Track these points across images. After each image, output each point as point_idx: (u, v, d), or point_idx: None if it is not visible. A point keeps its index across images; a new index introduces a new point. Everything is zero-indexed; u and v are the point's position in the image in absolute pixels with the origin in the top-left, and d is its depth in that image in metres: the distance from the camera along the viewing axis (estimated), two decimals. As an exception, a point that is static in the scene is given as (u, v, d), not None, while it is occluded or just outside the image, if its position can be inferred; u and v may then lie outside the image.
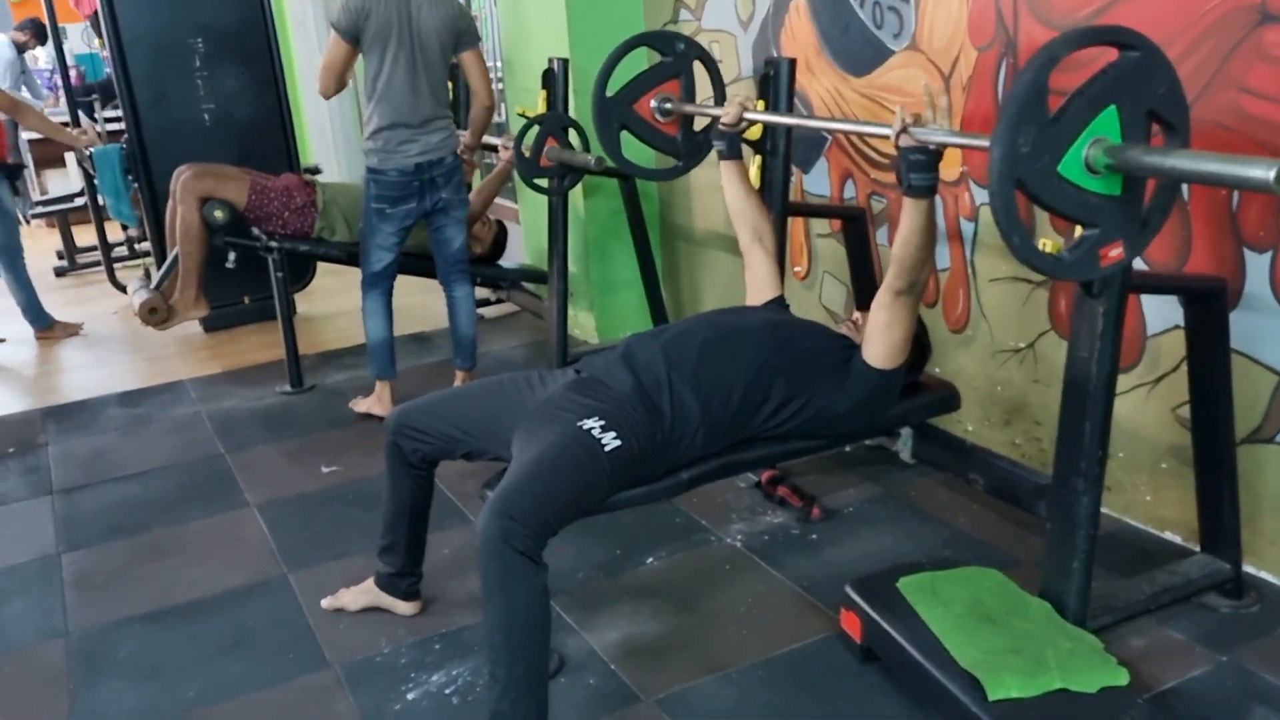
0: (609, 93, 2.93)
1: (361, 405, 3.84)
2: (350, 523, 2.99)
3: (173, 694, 2.28)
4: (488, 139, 4.48)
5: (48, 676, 2.37)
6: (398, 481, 2.31)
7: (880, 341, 2.16)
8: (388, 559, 2.43)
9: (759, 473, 2.97)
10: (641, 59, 3.32)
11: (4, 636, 2.55)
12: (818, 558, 2.65)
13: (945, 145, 1.95)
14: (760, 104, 2.92)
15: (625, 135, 2.99)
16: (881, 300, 2.14)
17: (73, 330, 5.19)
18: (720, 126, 2.58)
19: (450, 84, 3.86)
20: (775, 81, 2.90)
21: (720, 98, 3.03)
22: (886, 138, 2.01)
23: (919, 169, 1.97)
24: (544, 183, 3.86)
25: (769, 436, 2.21)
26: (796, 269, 3.72)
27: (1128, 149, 1.68)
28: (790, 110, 2.93)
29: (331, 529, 2.97)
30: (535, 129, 3.80)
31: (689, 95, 2.97)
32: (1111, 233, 1.75)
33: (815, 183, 3.53)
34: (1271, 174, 1.49)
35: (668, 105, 2.92)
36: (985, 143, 1.70)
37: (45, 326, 5.13)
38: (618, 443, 2.00)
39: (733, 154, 2.59)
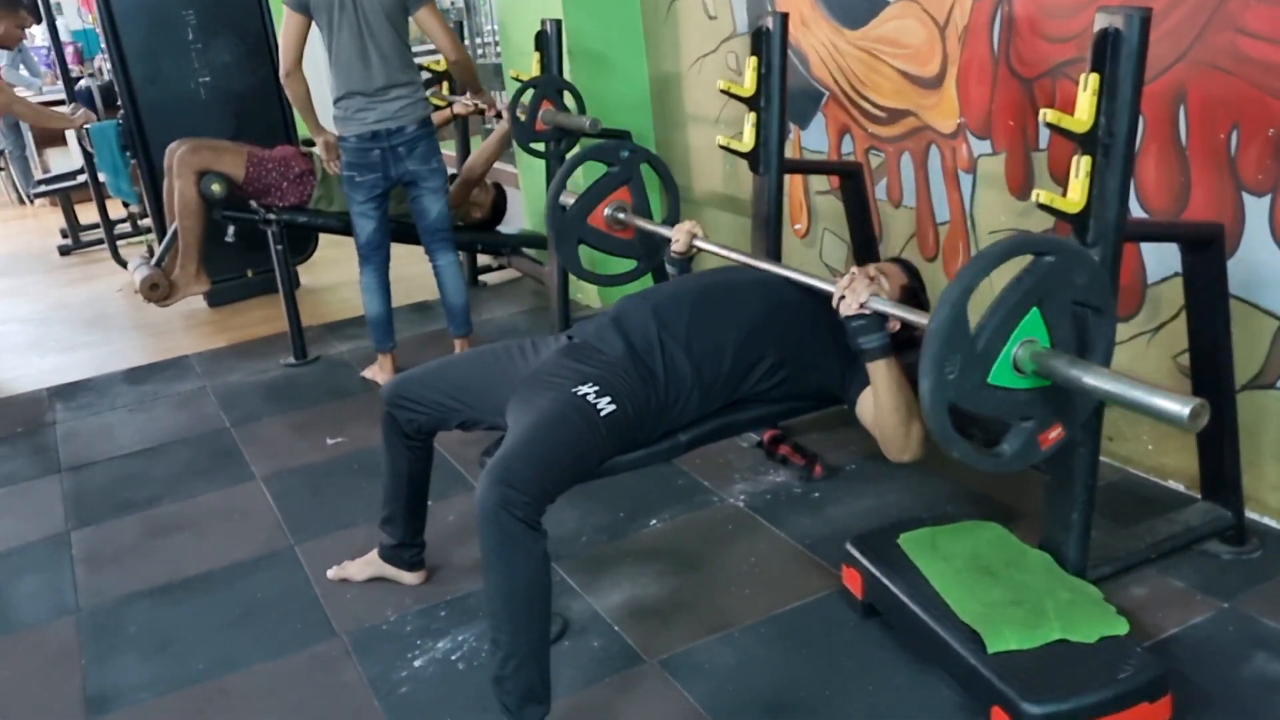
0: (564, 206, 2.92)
1: (368, 372, 3.90)
2: (356, 493, 3.00)
3: (183, 666, 2.30)
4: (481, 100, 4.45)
5: (60, 653, 2.40)
6: (395, 453, 2.31)
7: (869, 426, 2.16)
8: (389, 530, 2.45)
9: (761, 432, 2.97)
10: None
11: (16, 615, 2.59)
12: (820, 515, 2.66)
13: (885, 314, 1.97)
14: (752, 61, 2.88)
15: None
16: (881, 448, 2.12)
17: None
18: (672, 253, 2.58)
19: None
20: (769, 37, 2.87)
21: (674, 204, 3.00)
22: (830, 294, 2.03)
23: (864, 332, 1.98)
24: (540, 146, 3.84)
25: (766, 398, 2.21)
26: (796, 226, 3.69)
27: (1052, 358, 1.66)
28: (784, 61, 2.89)
29: (337, 500, 2.99)
30: (530, 92, 3.77)
31: (640, 198, 2.94)
32: (1047, 420, 1.74)
33: (813, 139, 3.50)
34: (1186, 411, 1.47)
35: (620, 216, 2.91)
36: (922, 319, 1.77)
37: None
38: (613, 407, 2.00)
39: (685, 274, 2.58)
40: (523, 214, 4.98)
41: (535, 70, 3.87)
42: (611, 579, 2.46)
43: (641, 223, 2.88)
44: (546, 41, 3.83)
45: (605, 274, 3.10)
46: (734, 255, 2.48)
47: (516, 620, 1.86)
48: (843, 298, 1.98)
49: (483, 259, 5.09)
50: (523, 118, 3.78)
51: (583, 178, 3.52)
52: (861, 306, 1.96)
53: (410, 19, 3.48)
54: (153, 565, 2.73)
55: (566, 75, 3.90)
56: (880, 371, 2.00)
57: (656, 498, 2.80)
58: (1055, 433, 1.76)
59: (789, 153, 3.16)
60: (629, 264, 3.04)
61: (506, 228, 4.76)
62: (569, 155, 2.90)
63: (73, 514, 3.07)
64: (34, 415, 3.89)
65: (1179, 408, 1.49)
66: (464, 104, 4.18)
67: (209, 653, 2.34)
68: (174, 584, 2.64)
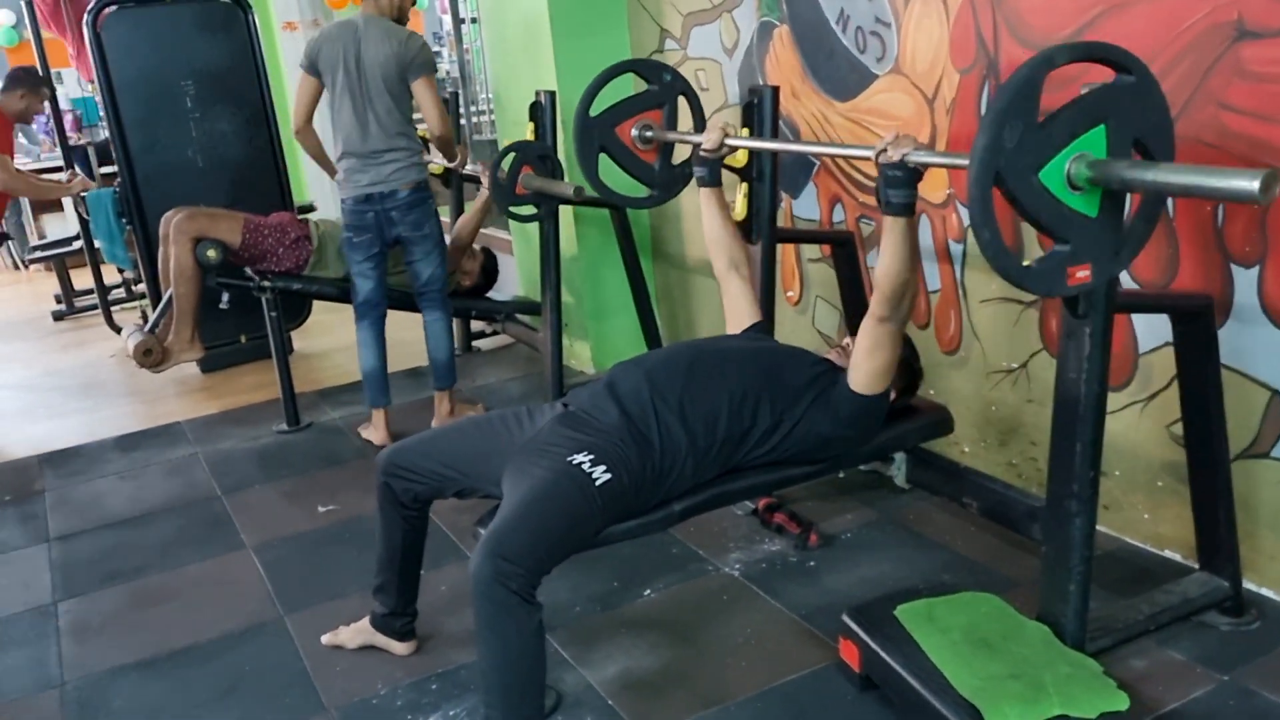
0: (593, 114, 2.94)
1: (364, 430, 3.93)
2: (347, 562, 2.97)
3: (169, 743, 2.26)
4: (470, 169, 4.50)
5: (43, 728, 2.36)
6: (390, 522, 2.30)
7: (863, 368, 2.15)
8: (381, 598, 2.42)
9: (756, 500, 2.96)
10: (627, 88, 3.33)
11: (-1, 688, 2.55)
12: (816, 585, 2.64)
13: (925, 164, 1.95)
14: (744, 131, 2.93)
15: (604, 161, 2.99)
16: (865, 326, 2.13)
17: None
18: (701, 153, 2.58)
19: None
20: (759, 109, 2.91)
21: (701, 130, 3.03)
22: (869, 159, 2.01)
23: (896, 185, 1.96)
24: (522, 210, 3.86)
25: (760, 464, 2.21)
26: (789, 294, 3.72)
27: (1111, 163, 1.67)
28: (775, 133, 2.93)
29: (328, 569, 2.96)
30: (511, 156, 3.79)
31: (671, 128, 2.98)
32: (1082, 252, 1.73)
33: (804, 207, 3.54)
34: (1256, 184, 1.49)
35: (649, 133, 2.93)
36: (966, 162, 1.69)
37: None
38: (608, 476, 1.99)
39: (713, 181, 2.59)
40: (516, 280, 5.01)
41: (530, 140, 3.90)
42: (605, 650, 2.43)
43: (672, 134, 2.89)
44: (541, 112, 3.88)
45: (621, 193, 3.09)
46: (766, 144, 2.48)
47: (509, 695, 1.84)
48: (884, 150, 1.96)
49: (476, 324, 5.10)
50: (504, 180, 3.80)
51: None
52: (902, 159, 1.94)
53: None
54: (140, 637, 2.69)
55: (560, 145, 3.94)
56: (899, 228, 1.98)
57: (650, 567, 2.78)
58: (1084, 272, 1.73)
59: (781, 221, 3.19)
60: (641, 191, 3.06)
61: (499, 293, 4.78)
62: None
63: (60, 584, 3.03)
64: (24, 483, 3.86)
65: (1247, 182, 1.49)
66: (437, 164, 4.34)
67: (195, 728, 2.30)
68: (161, 657, 2.60)
